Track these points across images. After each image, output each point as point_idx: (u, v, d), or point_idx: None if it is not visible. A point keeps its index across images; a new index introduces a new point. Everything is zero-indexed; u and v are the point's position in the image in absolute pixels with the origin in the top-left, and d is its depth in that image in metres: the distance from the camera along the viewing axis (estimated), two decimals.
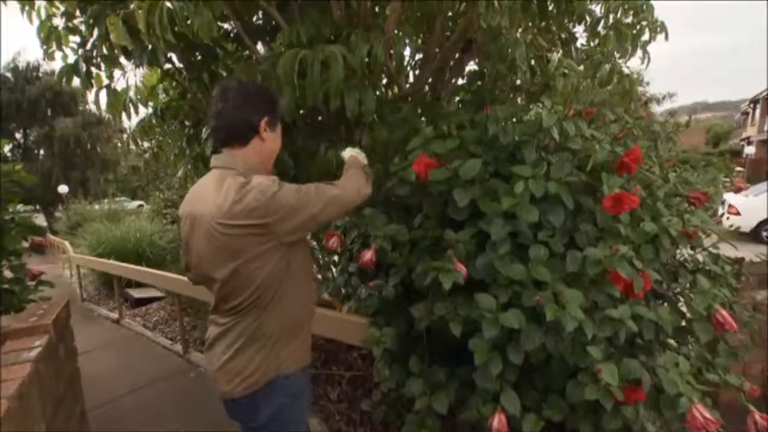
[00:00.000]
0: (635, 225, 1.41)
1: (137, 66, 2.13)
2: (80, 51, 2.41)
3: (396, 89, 2.32)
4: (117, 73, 2.92)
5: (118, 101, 2.74)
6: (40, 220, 15.87)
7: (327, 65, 1.52)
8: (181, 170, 3.27)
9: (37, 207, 14.99)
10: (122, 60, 2.58)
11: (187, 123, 3.07)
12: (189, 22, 1.54)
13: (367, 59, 1.58)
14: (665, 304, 1.41)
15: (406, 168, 1.41)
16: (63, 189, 11.35)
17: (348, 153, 1.39)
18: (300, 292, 1.18)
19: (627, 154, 1.28)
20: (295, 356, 1.19)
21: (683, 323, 1.45)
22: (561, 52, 1.53)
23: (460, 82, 1.97)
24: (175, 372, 3.19)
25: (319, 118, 2.11)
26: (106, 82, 2.68)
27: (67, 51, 2.51)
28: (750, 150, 19.78)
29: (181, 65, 2.60)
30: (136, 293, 5.15)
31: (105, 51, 2.01)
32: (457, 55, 2.15)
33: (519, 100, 1.77)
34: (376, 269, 1.72)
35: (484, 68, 1.74)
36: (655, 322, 1.30)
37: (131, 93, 3.02)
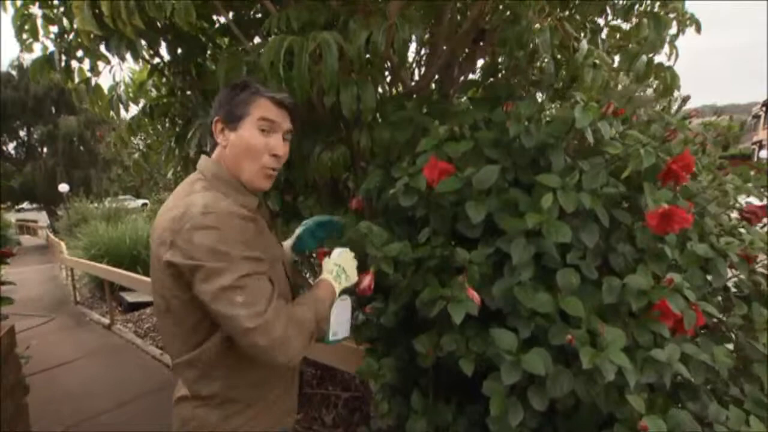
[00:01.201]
0: (681, 245, 1.19)
1: (119, 59, 1.94)
2: (58, 42, 2.22)
3: (398, 86, 2.11)
4: (105, 69, 2.74)
5: (102, 97, 2.56)
6: (43, 218, 15.86)
7: (320, 55, 1.32)
8: (171, 172, 3.09)
9: (41, 205, 14.96)
10: (108, 54, 2.41)
11: (179, 121, 2.87)
12: (162, 6, 1.35)
13: (366, 49, 1.38)
14: (716, 340, 1.18)
15: (415, 174, 1.19)
16: (64, 188, 11.23)
17: (335, 259, 1.04)
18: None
19: (676, 160, 1.06)
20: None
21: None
22: (589, 38, 1.31)
23: (471, 78, 1.75)
24: (163, 386, 3.00)
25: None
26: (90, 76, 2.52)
27: (47, 43, 2.34)
28: (763, 154, 19.41)
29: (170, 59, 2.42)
30: (130, 297, 4.98)
31: (86, 42, 1.83)
32: (467, 51, 1.93)
33: (539, 97, 1.54)
34: (375, 290, 1.51)
35: (499, 60, 1.52)
36: (707, 363, 1.09)
37: (120, 90, 2.85)
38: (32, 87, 12.47)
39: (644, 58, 1.36)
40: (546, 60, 1.29)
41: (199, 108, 2.24)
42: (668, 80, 1.35)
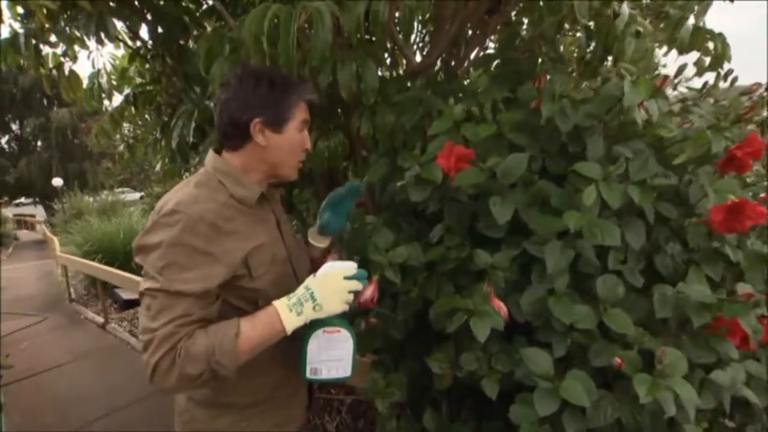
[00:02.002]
0: (737, 244, 1.01)
1: (88, 38, 1.74)
2: (25, 23, 2.02)
3: (400, 67, 1.92)
4: (85, 56, 2.53)
5: (78, 85, 2.37)
6: (41, 213, 15.68)
7: (311, 27, 1.13)
8: (159, 164, 2.90)
9: (37, 200, 14.77)
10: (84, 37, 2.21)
11: (165, 111, 2.66)
12: None
13: (365, 20, 1.19)
14: None
15: (427, 163, 1.01)
16: (57, 182, 10.97)
17: (311, 281, 0.83)
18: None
19: (741, 145, 0.88)
20: None
21: None
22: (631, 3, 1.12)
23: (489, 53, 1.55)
24: (156, 391, 2.86)
25: None
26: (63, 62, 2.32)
27: (15, 25, 2.13)
28: None
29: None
30: (126, 294, 4.83)
31: (42, 19, 1.63)
32: (475, 28, 1.73)
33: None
34: (381, 295, 1.35)
35: (519, 29, 1.32)
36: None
37: (102, 77, 2.64)
38: (21, 79, 12.15)
39: (689, 24, 1.17)
40: (584, 24, 1.09)
41: (182, 94, 2.05)
42: (719, 50, 1.16)
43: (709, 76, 1.24)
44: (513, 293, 1.00)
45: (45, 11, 1.71)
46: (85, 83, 2.53)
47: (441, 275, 1.12)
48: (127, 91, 2.66)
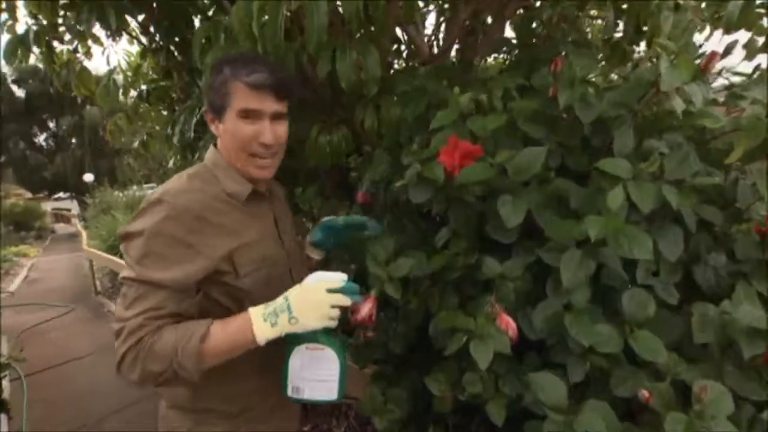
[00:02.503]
0: None
1: (87, 31, 1.71)
2: (36, 20, 2.02)
3: (412, 57, 1.80)
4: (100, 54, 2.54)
5: (89, 81, 2.37)
6: (75, 207, 16.39)
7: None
8: (172, 160, 2.90)
9: (72, 195, 15.45)
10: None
11: (177, 107, 2.64)
12: None
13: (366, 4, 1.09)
14: None
15: (429, 159, 0.91)
16: (88, 177, 11.45)
17: (293, 291, 0.75)
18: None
19: None
20: None
21: None
22: None
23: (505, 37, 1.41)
24: None
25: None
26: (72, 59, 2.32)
27: (29, 22, 2.14)
28: None
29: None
30: None
31: (36, 11, 1.61)
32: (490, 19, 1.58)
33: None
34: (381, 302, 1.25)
35: (538, 13, 1.19)
36: None
37: (117, 75, 2.65)
38: (56, 79, 12.65)
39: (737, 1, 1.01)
40: (604, 7, 0.96)
41: (188, 89, 2.01)
42: None
43: (762, 60, 1.07)
44: (525, 306, 0.88)
45: (48, 5, 1.69)
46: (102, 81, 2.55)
47: (446, 284, 1.01)
48: (142, 87, 2.66)
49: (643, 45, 1.31)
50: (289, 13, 1.07)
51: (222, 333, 0.72)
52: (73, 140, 14.57)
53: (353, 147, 1.47)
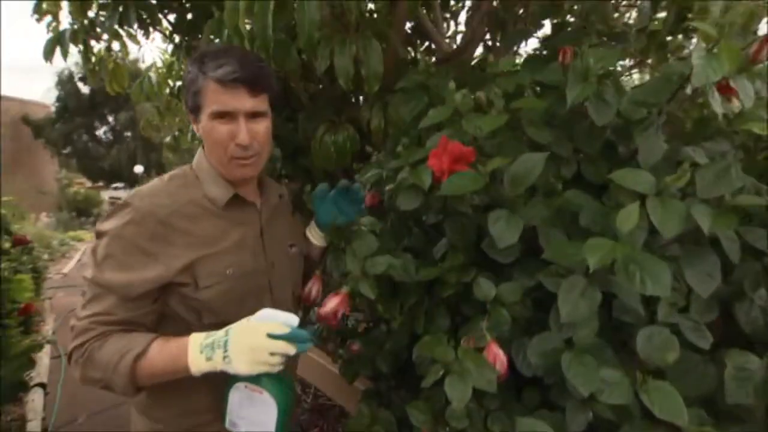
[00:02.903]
0: None
1: (109, 32, 1.76)
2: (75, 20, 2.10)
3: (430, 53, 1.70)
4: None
5: (122, 78, 2.45)
6: None
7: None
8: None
9: (126, 185, 16.59)
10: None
11: None
12: None
13: None
14: None
15: (417, 164, 0.81)
16: (138, 169, 12.25)
17: (236, 327, 0.68)
18: None
19: None
20: None
21: None
22: None
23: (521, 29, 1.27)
24: None
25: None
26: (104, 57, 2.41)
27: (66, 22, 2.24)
28: None
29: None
30: None
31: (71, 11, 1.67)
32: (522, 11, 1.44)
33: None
34: (372, 314, 1.17)
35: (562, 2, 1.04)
36: None
37: (151, 72, 2.76)
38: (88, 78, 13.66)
39: None
40: None
41: None
42: None
43: None
44: (522, 336, 0.76)
45: (78, 5, 1.75)
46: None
47: (439, 302, 0.91)
48: (173, 84, 2.74)
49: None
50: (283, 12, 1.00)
51: (158, 355, 0.67)
52: (128, 134, 15.61)
53: (359, 147, 1.40)
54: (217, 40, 1.26)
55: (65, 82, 14.06)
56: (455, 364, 0.66)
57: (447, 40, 1.69)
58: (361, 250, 0.86)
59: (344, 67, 1.07)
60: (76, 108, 14.08)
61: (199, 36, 1.99)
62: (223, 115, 0.73)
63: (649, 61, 1.24)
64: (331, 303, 0.80)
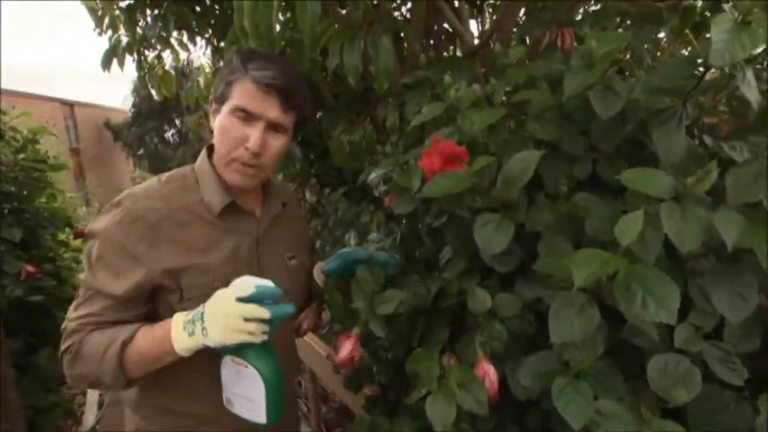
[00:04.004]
0: None
1: (149, 41, 1.88)
2: (130, 33, 2.28)
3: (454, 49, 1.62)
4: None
5: (170, 84, 2.62)
6: None
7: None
8: None
9: None
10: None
11: None
12: None
13: None
14: None
15: (406, 164, 0.77)
16: None
17: (214, 298, 0.67)
18: None
19: None
20: None
21: None
22: None
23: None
24: None
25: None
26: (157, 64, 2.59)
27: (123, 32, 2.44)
28: None
29: None
30: None
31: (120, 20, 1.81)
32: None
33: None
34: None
35: None
36: None
37: (200, 78, 2.92)
38: (183, 83, 14.81)
39: None
40: None
41: None
42: None
43: None
44: (519, 354, 0.69)
45: (126, 17, 1.88)
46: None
47: (439, 313, 0.85)
48: None
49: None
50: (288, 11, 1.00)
51: (144, 340, 0.68)
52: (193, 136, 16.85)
53: (375, 146, 1.37)
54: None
55: (139, 89, 15.47)
56: (438, 383, 0.60)
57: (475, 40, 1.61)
58: (366, 283, 0.80)
59: (353, 63, 1.04)
60: (149, 113, 15.42)
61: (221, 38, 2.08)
62: (245, 114, 0.72)
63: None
64: (345, 349, 0.76)
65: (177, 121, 16.32)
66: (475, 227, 0.62)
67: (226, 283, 0.72)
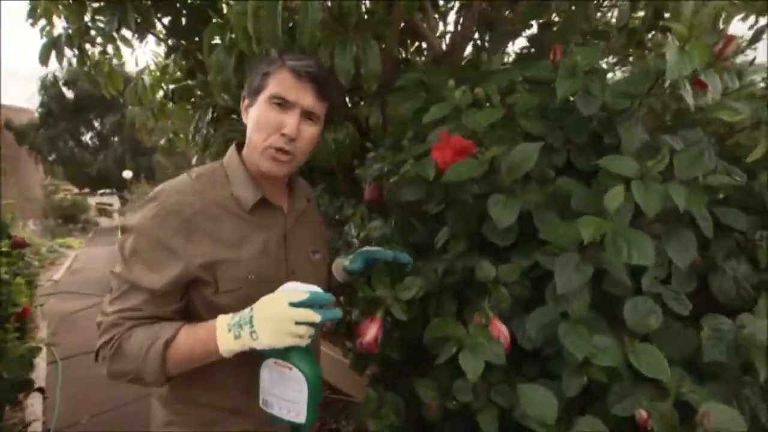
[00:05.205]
0: None
1: (108, 34, 1.78)
2: (69, 25, 2.12)
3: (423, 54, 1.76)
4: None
5: (116, 81, 2.47)
6: (116, 202, 17.33)
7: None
8: (194, 158, 2.99)
9: (114, 190, 16.35)
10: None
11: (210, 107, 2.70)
12: None
13: None
14: None
15: (421, 156, 0.87)
16: (127, 174, 12.12)
17: (260, 303, 0.69)
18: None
19: None
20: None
21: None
22: None
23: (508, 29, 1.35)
24: None
25: None
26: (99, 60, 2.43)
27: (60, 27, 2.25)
28: None
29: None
30: None
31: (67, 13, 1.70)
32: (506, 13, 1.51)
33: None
34: None
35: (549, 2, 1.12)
36: None
37: (145, 75, 2.77)
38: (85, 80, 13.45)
39: None
40: None
41: (207, 88, 2.05)
42: None
43: None
44: (523, 313, 0.83)
45: (75, 9, 1.77)
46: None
47: (445, 289, 0.97)
48: (167, 87, 2.75)
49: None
50: (287, 14, 1.05)
51: (187, 340, 0.68)
52: (115, 138, 15.40)
53: (358, 145, 1.46)
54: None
55: (48, 87, 13.81)
56: (468, 340, 0.72)
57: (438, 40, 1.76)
58: (382, 276, 0.89)
59: (345, 66, 1.12)
60: (61, 113, 13.83)
61: (196, 39, 2.03)
62: (282, 102, 0.73)
63: (630, 58, 1.33)
64: (371, 332, 0.83)
65: (95, 123, 14.82)
66: (489, 205, 0.74)
67: (259, 277, 0.77)
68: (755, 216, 0.81)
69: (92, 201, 16.26)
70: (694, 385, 0.63)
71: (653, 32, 0.98)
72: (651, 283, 0.73)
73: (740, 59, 0.85)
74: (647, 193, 0.67)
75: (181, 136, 3.07)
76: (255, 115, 0.75)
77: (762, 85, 0.86)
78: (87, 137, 15.17)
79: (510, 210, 0.74)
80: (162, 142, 3.17)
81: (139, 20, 1.86)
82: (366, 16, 1.14)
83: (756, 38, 0.80)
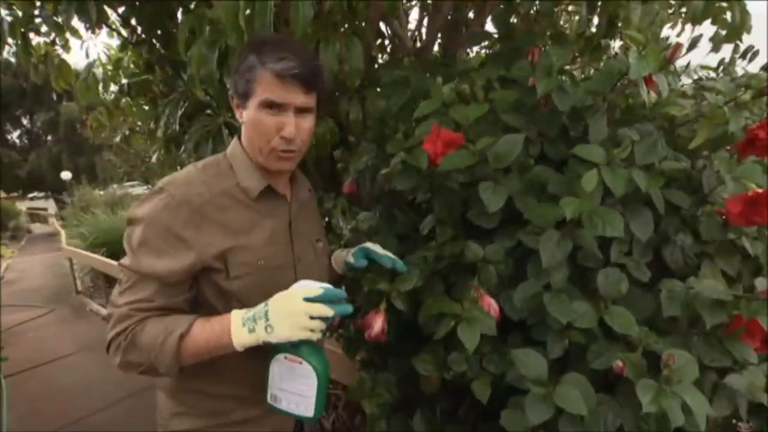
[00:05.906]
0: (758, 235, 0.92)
1: (67, 25, 1.68)
2: (11, 13, 1.96)
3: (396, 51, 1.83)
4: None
5: (68, 74, 2.32)
6: (52, 206, 15.93)
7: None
8: (155, 155, 2.86)
9: (48, 193, 15.00)
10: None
11: (160, 101, 2.60)
12: None
13: None
14: None
15: (413, 148, 0.93)
16: (66, 175, 11.17)
17: (275, 299, 0.72)
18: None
19: (764, 123, 0.78)
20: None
21: None
22: None
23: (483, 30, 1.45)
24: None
25: None
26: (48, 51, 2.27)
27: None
28: None
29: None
30: None
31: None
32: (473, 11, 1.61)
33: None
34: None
35: (516, 6, 1.22)
36: None
37: (96, 68, 2.60)
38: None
39: None
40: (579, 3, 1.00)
41: (172, 82, 1.99)
42: (736, 20, 1.05)
43: (727, 54, 1.13)
44: (508, 288, 0.92)
45: None
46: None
47: (432, 274, 1.04)
48: (123, 81, 2.61)
49: (619, 41, 1.38)
50: (275, 8, 1.07)
51: (201, 333, 0.70)
52: (49, 137, 14.13)
53: (338, 139, 1.49)
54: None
55: None
56: (465, 314, 0.79)
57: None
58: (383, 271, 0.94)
59: (329, 62, 1.16)
60: None
61: (159, 31, 1.96)
62: (273, 106, 0.74)
63: (580, 59, 1.48)
64: (377, 324, 0.88)
65: (24, 120, 13.51)
66: (480, 191, 0.82)
67: (268, 262, 0.80)
68: (694, 196, 0.96)
69: (23, 206, 14.87)
70: (657, 338, 0.75)
71: (608, 39, 1.11)
72: (618, 255, 0.85)
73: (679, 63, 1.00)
74: (615, 176, 0.78)
75: (138, 132, 2.93)
76: (251, 119, 0.76)
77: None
78: (14, 136, 13.78)
79: (498, 195, 0.82)
80: (117, 139, 3.00)
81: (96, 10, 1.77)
82: (349, 15, 1.17)
83: (693, 46, 0.94)
